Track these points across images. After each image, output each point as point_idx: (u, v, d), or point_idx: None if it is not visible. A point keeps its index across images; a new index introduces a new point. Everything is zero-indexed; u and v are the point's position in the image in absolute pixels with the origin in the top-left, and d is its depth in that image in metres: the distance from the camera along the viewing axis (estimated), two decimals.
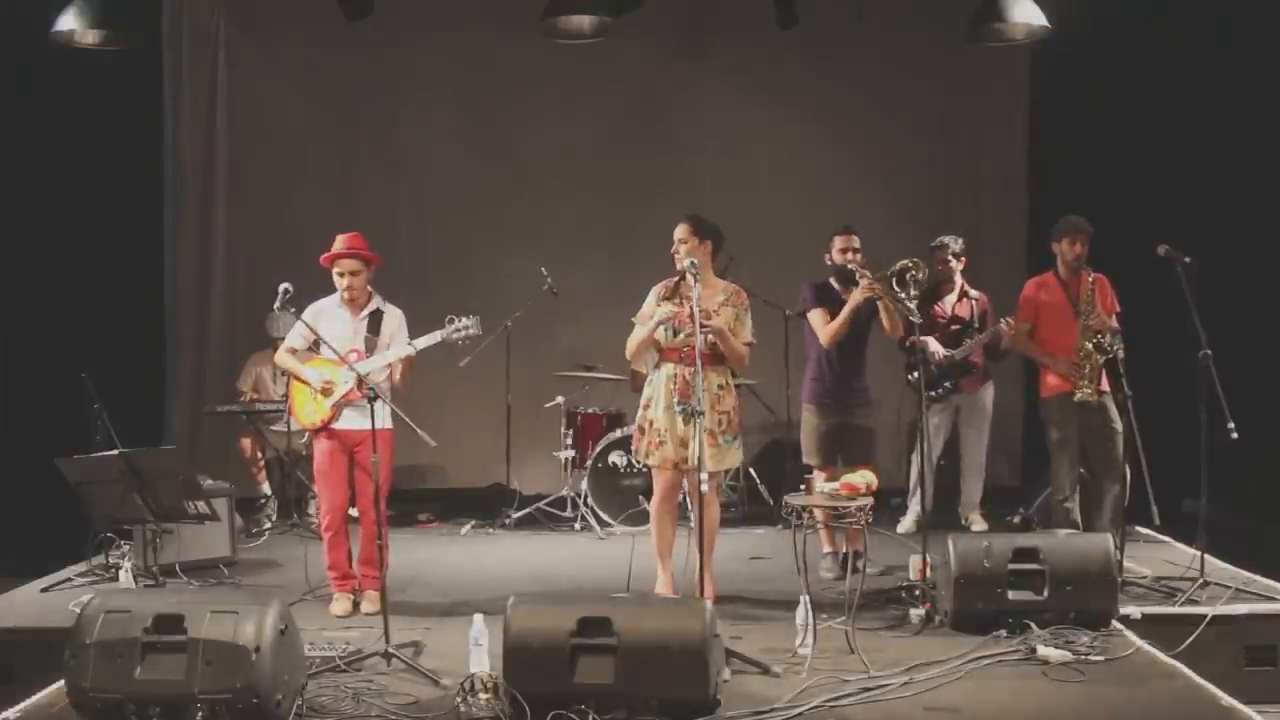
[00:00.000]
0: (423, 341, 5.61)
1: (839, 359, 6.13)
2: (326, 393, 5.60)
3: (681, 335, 5.48)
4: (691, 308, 5.23)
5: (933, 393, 7.03)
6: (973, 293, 7.26)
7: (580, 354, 8.26)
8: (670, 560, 5.72)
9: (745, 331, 5.58)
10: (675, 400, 5.51)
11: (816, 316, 6.13)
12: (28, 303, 7.76)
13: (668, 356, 5.58)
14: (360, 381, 5.31)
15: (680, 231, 5.54)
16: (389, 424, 5.52)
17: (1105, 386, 6.27)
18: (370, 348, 5.63)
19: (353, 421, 5.56)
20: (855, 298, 5.93)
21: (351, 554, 5.75)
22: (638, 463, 6.05)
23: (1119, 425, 6.14)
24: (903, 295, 5.81)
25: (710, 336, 5.34)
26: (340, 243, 5.65)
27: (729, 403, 5.59)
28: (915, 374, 6.69)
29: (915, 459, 7.23)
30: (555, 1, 7.44)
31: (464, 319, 5.61)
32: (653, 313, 5.57)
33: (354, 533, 5.80)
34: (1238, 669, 5.19)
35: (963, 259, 7.20)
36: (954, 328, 7.17)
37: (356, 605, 5.69)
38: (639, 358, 5.84)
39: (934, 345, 6.99)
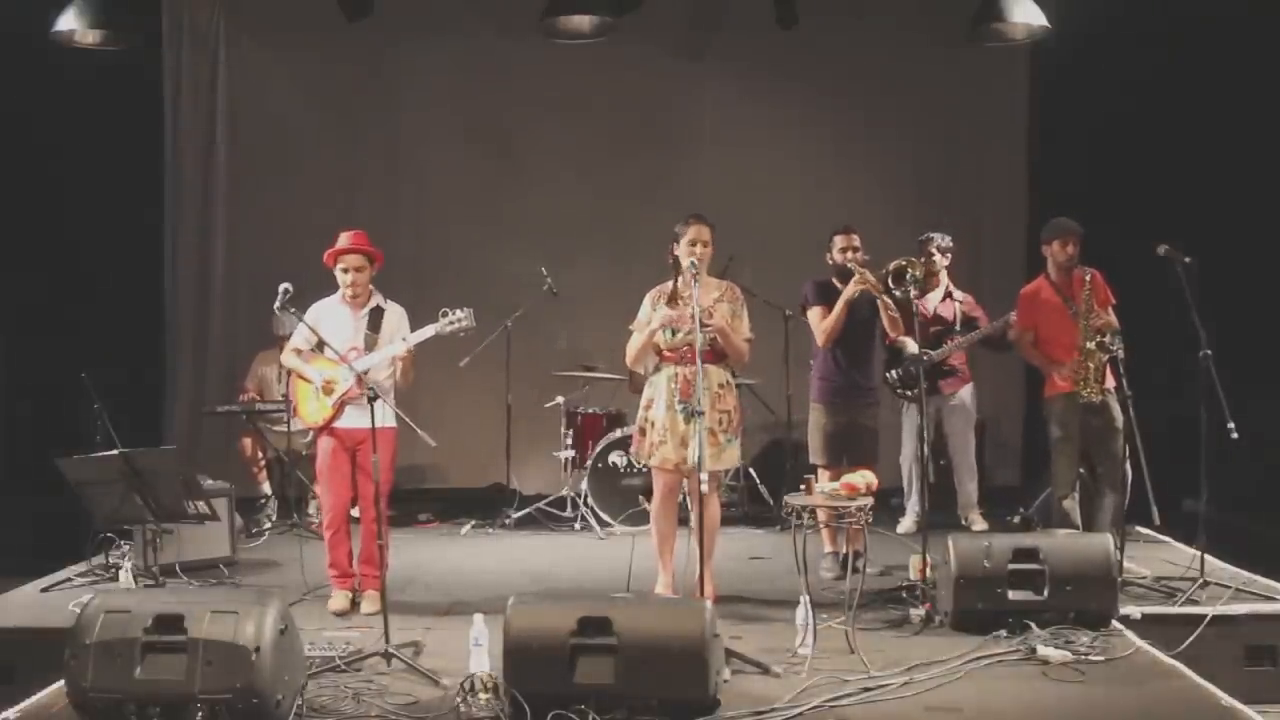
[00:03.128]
0: (416, 336, 5.61)
1: (846, 357, 6.15)
2: (327, 391, 5.62)
3: (680, 335, 5.49)
4: (691, 307, 5.26)
5: (908, 393, 7.03)
6: (957, 294, 7.25)
7: (580, 354, 8.27)
8: (671, 560, 5.72)
9: (744, 327, 5.60)
10: (677, 400, 5.51)
11: (815, 315, 6.15)
12: (28, 303, 7.76)
13: (667, 358, 5.59)
14: (359, 379, 5.32)
15: (706, 233, 5.53)
16: (391, 422, 5.52)
17: (1110, 384, 6.25)
18: (370, 345, 5.64)
19: (355, 420, 5.57)
20: (848, 292, 5.96)
21: (352, 553, 5.76)
22: (638, 463, 6.06)
23: (1121, 424, 6.14)
24: (898, 293, 5.85)
25: (710, 334, 5.36)
26: (345, 239, 5.67)
27: (729, 401, 5.59)
28: (893, 372, 6.69)
29: (902, 460, 7.25)
30: (555, 1, 7.45)
31: (457, 311, 5.61)
32: (647, 318, 5.59)
33: (355, 532, 5.81)
34: (1238, 669, 5.17)
35: (948, 255, 7.20)
36: (934, 329, 7.14)
37: (355, 603, 5.69)
38: (639, 362, 5.86)
39: (911, 346, 6.88)
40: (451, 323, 5.60)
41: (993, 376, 7.43)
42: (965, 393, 7.29)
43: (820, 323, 6.10)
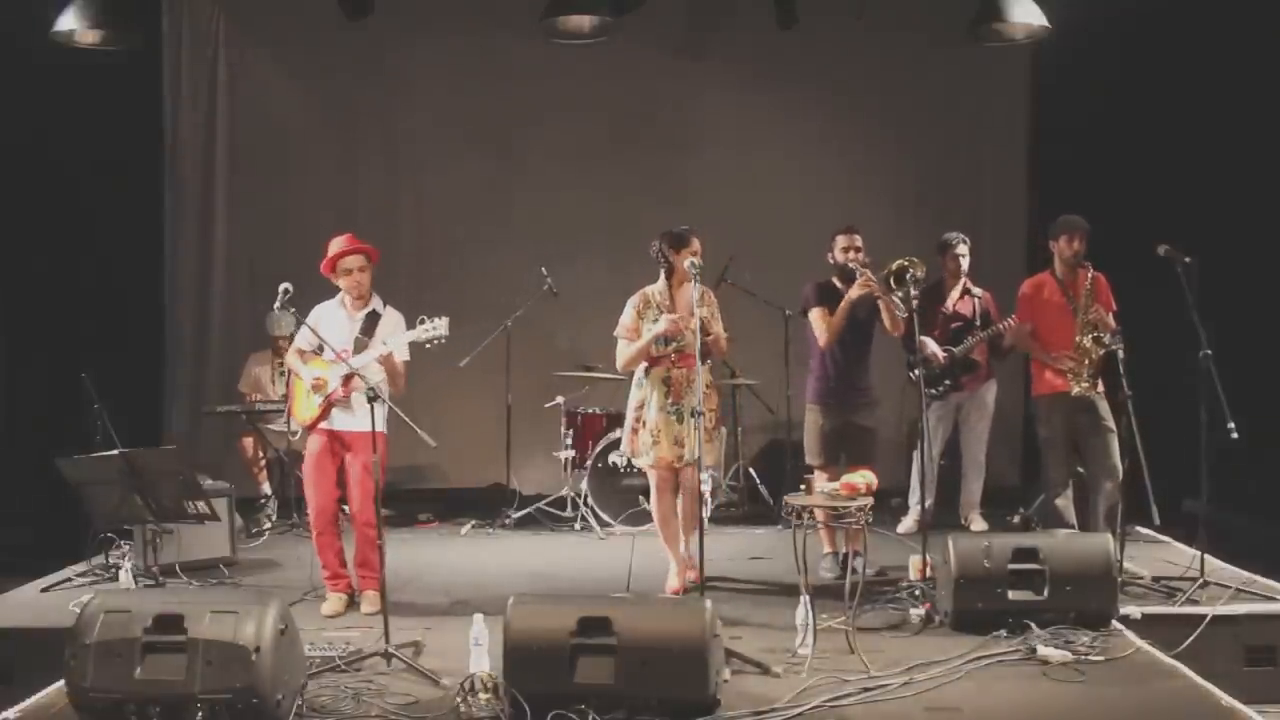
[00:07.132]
0: (394, 341, 5.61)
1: (843, 358, 6.17)
2: (317, 389, 5.62)
3: (673, 344, 5.75)
4: (692, 314, 5.47)
5: (932, 390, 7.03)
6: (975, 290, 7.26)
7: (580, 354, 8.26)
8: (678, 549, 5.95)
9: (719, 326, 5.87)
10: (669, 401, 5.77)
11: (817, 315, 6.17)
12: (28, 303, 7.76)
13: (658, 362, 5.81)
14: (348, 379, 5.33)
15: (699, 247, 5.77)
16: (381, 426, 5.50)
17: (1100, 386, 6.25)
18: (360, 349, 5.61)
19: (344, 422, 5.60)
20: (851, 294, 5.98)
21: (343, 553, 5.77)
22: (629, 460, 6.23)
23: (1111, 423, 6.14)
24: (900, 294, 5.86)
25: (701, 336, 5.46)
26: (341, 242, 5.66)
27: (714, 400, 5.93)
28: (917, 372, 6.69)
29: (916, 458, 7.23)
30: (555, 1, 7.45)
31: (433, 320, 5.58)
32: (634, 325, 5.81)
33: (347, 533, 5.81)
34: (1238, 669, 5.18)
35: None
36: (955, 325, 7.16)
37: (350, 604, 5.70)
38: (631, 368, 6.01)
39: (932, 346, 6.98)
40: (427, 330, 5.57)
41: (996, 375, 7.41)
42: (988, 390, 7.30)
43: (822, 323, 6.11)
